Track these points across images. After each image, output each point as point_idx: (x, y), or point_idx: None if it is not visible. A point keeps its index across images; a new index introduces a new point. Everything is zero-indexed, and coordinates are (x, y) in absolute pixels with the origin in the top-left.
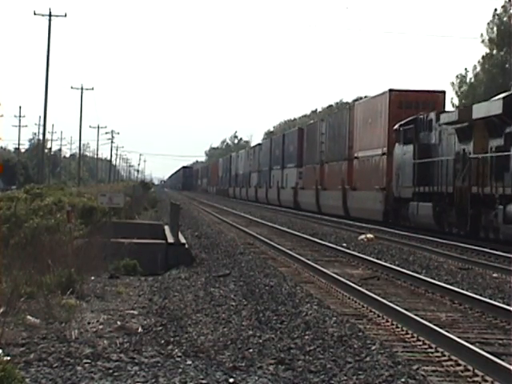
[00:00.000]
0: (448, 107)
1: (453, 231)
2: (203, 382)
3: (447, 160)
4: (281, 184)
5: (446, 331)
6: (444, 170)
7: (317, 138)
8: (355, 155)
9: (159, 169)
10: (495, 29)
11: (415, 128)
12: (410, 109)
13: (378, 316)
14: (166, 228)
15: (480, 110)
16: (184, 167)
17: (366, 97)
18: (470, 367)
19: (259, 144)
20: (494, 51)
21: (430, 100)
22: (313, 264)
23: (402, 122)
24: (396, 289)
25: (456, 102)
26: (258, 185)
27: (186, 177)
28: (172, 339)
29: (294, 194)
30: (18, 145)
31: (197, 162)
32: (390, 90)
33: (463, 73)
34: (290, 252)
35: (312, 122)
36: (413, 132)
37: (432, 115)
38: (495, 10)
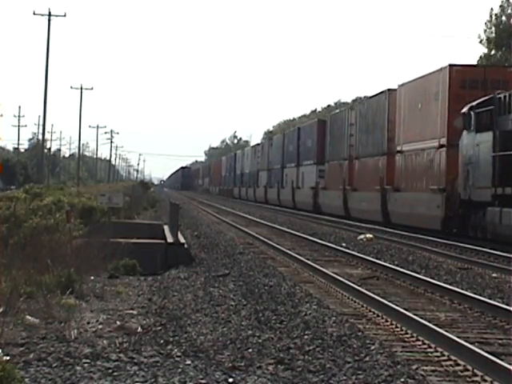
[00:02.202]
0: None
1: None
2: (202, 381)
3: None
4: (296, 184)
5: (446, 331)
6: None
7: (344, 129)
8: (398, 149)
9: (159, 169)
10: (493, 29)
11: (494, 111)
12: (475, 89)
13: (378, 316)
14: (166, 228)
15: None
16: (183, 167)
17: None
18: (469, 367)
19: (270, 139)
20: (493, 51)
21: (502, 78)
22: (312, 264)
23: (474, 104)
24: (395, 288)
25: None
26: (267, 184)
27: (185, 177)
28: (171, 339)
29: (314, 195)
30: (18, 145)
31: (196, 161)
32: (451, 65)
33: None
34: (290, 252)
35: (337, 111)
36: (491, 116)
37: None
38: (491, 9)
